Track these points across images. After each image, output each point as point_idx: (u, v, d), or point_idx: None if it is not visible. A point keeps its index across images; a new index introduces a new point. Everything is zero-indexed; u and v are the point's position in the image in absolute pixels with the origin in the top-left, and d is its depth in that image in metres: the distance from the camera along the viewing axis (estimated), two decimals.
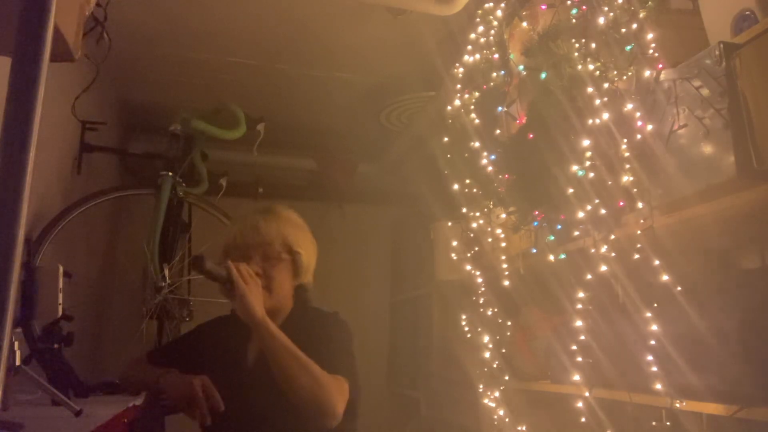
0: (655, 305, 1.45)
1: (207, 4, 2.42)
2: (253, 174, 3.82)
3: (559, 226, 1.75)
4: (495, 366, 2.15)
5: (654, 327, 1.42)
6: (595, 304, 1.61)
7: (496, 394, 2.15)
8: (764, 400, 1.22)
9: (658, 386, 1.41)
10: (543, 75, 1.67)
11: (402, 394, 3.72)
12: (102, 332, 3.21)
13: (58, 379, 1.52)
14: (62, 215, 2.21)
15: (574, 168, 1.57)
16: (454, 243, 2.37)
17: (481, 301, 2.15)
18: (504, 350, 2.17)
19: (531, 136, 1.75)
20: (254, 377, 1.47)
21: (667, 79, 1.48)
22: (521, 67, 1.87)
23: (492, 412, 2.14)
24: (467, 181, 2.08)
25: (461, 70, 2.13)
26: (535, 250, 1.93)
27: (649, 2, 1.53)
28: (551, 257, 1.80)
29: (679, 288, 1.39)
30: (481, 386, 2.22)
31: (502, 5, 1.97)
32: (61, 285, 1.49)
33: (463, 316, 2.31)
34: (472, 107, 2.05)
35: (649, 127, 1.49)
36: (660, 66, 1.51)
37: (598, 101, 1.53)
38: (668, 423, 1.49)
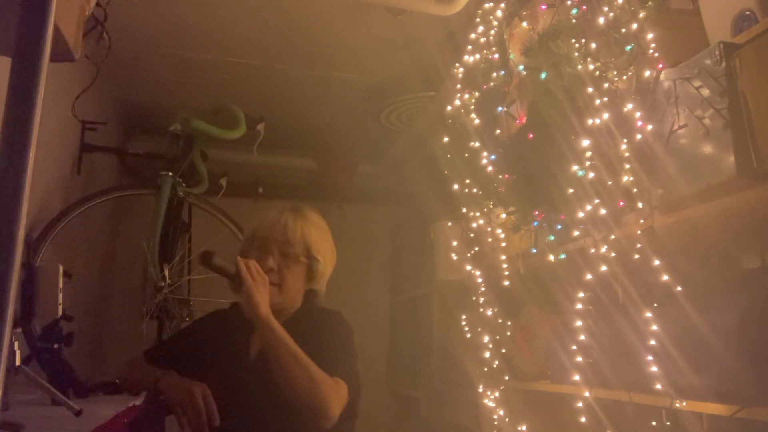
0: (655, 305, 1.45)
1: (207, 4, 2.42)
2: (253, 174, 3.83)
3: (559, 226, 1.75)
4: (495, 366, 2.15)
5: (654, 327, 1.42)
6: (595, 304, 1.61)
7: (496, 394, 2.16)
8: (764, 400, 1.22)
9: (658, 386, 1.41)
10: (543, 75, 1.67)
11: (402, 394, 3.72)
12: (102, 332, 3.21)
13: (58, 379, 1.52)
14: (62, 215, 2.21)
15: (574, 168, 1.57)
16: (454, 243, 2.37)
17: (481, 301, 2.15)
18: (504, 350, 2.17)
19: (531, 136, 1.75)
20: (255, 373, 1.47)
21: (667, 79, 1.48)
22: (521, 67, 1.87)
23: (492, 412, 2.14)
24: (467, 181, 2.08)
25: (461, 70, 2.13)
26: (535, 250, 1.93)
27: (649, 2, 1.53)
28: (551, 257, 1.80)
29: (679, 288, 1.39)
30: (481, 386, 2.22)
31: (502, 5, 1.97)
32: (61, 285, 1.49)
33: (463, 316, 2.32)
34: (472, 107, 2.05)
35: (649, 127, 1.49)
36: (660, 66, 1.51)
37: (598, 101, 1.53)
38: (668, 423, 1.49)
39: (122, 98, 3.28)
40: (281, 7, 2.43)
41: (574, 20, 1.64)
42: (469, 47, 2.10)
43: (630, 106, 1.50)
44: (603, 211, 1.53)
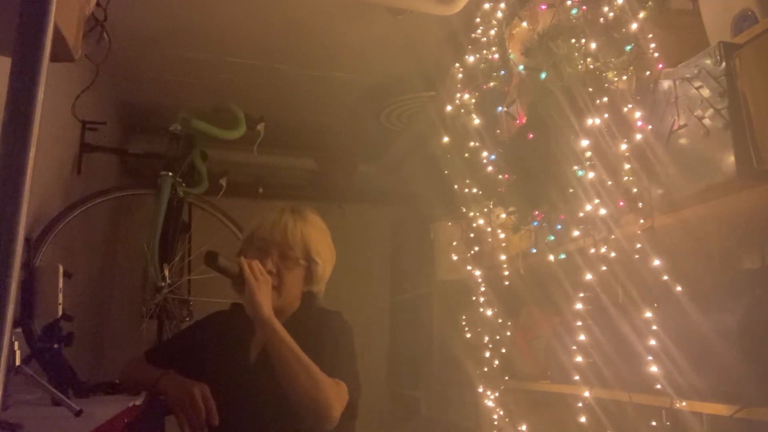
0: (655, 305, 1.45)
1: (207, 4, 2.41)
2: (253, 174, 3.83)
3: (559, 226, 1.75)
4: (495, 366, 2.15)
5: (654, 327, 1.42)
6: (595, 304, 1.61)
7: (496, 394, 2.15)
8: (764, 400, 1.22)
9: (658, 386, 1.41)
10: (543, 75, 1.67)
11: (402, 394, 3.72)
12: (102, 332, 3.21)
13: (58, 379, 1.51)
14: (62, 215, 2.21)
15: (574, 168, 1.57)
16: (454, 243, 2.37)
17: (481, 301, 2.15)
18: (504, 350, 2.17)
19: (531, 136, 1.75)
20: (256, 374, 1.47)
21: (667, 79, 1.48)
22: (521, 67, 1.87)
23: (492, 412, 2.14)
24: (467, 181, 2.08)
25: (461, 70, 2.13)
26: (535, 250, 1.93)
27: (649, 2, 1.53)
28: (551, 257, 1.80)
29: (679, 288, 1.39)
30: (481, 386, 2.22)
31: (502, 5, 1.97)
32: (61, 285, 1.48)
33: (463, 316, 2.32)
34: (472, 107, 2.05)
35: (649, 127, 1.49)
36: (660, 66, 1.51)
37: (598, 101, 1.53)
38: (668, 423, 1.49)
39: (122, 98, 3.28)
40: (281, 7, 2.42)
41: (574, 20, 1.64)
42: (469, 47, 2.10)
43: (630, 106, 1.50)
44: (603, 211, 1.53)
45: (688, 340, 1.38)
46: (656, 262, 1.41)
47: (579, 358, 1.64)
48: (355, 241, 4.02)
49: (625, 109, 1.51)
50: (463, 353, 2.44)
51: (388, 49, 2.74)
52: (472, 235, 2.20)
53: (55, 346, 1.54)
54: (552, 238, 1.80)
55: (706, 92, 1.35)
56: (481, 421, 2.31)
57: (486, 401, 2.18)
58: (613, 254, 1.53)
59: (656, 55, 1.52)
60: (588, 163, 1.54)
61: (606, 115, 1.51)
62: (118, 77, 2.97)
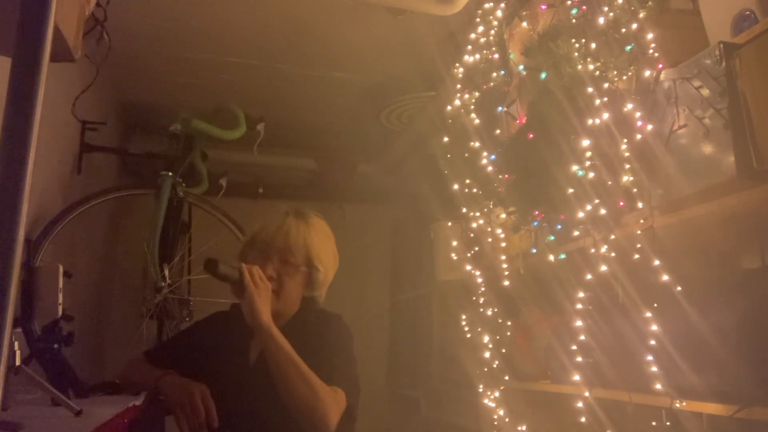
0: (655, 305, 1.45)
1: (207, 4, 2.42)
2: (253, 174, 3.83)
3: (559, 226, 1.75)
4: (495, 366, 2.15)
5: (654, 327, 1.42)
6: (595, 304, 1.61)
7: (496, 394, 2.15)
8: (764, 400, 1.22)
9: (658, 386, 1.41)
10: (543, 75, 1.67)
11: (402, 394, 3.72)
12: (102, 332, 3.21)
13: (58, 379, 1.51)
14: (62, 215, 2.21)
15: (574, 168, 1.57)
16: (454, 243, 2.37)
17: (481, 301, 2.15)
18: (504, 350, 2.17)
19: (531, 136, 1.75)
20: (255, 376, 1.47)
21: (667, 79, 1.48)
22: (521, 67, 1.87)
23: (492, 412, 2.14)
24: (467, 181, 2.08)
25: (461, 70, 2.13)
26: (535, 250, 1.93)
27: (649, 2, 1.53)
28: (551, 257, 1.80)
29: (679, 288, 1.39)
30: (481, 386, 2.22)
31: (502, 5, 1.97)
32: (61, 285, 1.48)
33: (463, 316, 2.32)
34: (472, 107, 2.05)
35: (649, 127, 1.49)
36: (660, 66, 1.51)
37: (598, 101, 1.53)
38: (668, 423, 1.49)
39: (122, 98, 3.28)
40: (281, 7, 2.43)
41: (574, 20, 1.64)
42: (469, 47, 2.10)
43: (630, 106, 1.50)
44: (603, 211, 1.53)
45: (688, 340, 1.38)
46: (656, 262, 1.41)
47: (579, 358, 1.64)
48: (355, 241, 4.02)
49: (625, 109, 1.51)
50: (462, 353, 2.44)
51: (388, 49, 2.75)
52: (472, 235, 2.20)
53: (55, 346, 1.54)
54: (552, 238, 1.80)
55: (706, 92, 1.35)
56: (481, 421, 2.31)
57: (486, 401, 2.18)
58: (613, 254, 1.53)
59: (656, 55, 1.52)
60: (588, 163, 1.54)
61: (606, 115, 1.51)
62: (118, 77, 2.97)
